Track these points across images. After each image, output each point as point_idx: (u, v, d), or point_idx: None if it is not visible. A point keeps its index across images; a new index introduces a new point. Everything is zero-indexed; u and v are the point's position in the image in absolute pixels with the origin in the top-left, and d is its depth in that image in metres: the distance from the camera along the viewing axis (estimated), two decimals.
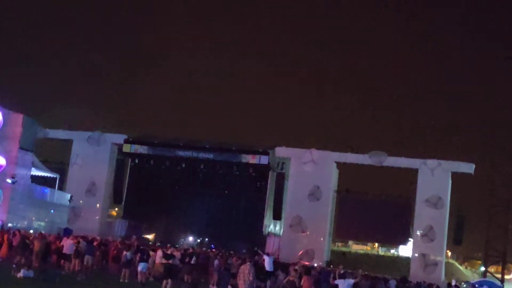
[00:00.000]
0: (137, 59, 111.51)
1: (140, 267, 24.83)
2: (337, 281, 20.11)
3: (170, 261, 24.23)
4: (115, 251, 28.51)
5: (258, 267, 24.63)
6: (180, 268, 26.45)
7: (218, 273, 25.67)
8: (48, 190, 48.76)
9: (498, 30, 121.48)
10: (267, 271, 24.69)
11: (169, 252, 27.31)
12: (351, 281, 20.33)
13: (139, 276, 24.65)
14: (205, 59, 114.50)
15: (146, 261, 25.60)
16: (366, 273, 40.88)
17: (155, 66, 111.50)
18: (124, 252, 26.61)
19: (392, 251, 65.79)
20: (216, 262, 27.22)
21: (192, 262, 28.52)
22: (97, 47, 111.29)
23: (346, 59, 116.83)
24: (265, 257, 25.63)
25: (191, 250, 36.12)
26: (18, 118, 43.52)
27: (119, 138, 57.50)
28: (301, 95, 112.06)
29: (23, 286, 20.10)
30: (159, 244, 44.36)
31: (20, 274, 21.84)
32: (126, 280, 24.72)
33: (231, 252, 44.17)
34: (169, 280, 22.03)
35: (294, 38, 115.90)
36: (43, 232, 34.48)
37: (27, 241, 27.79)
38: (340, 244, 65.22)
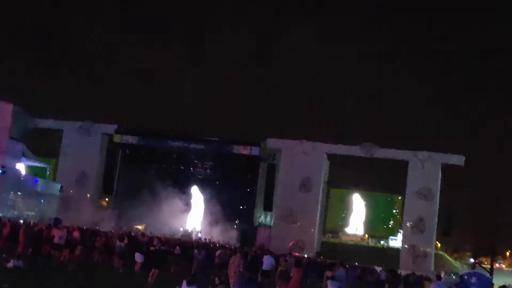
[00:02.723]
0: (129, 48, 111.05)
1: (138, 257, 24.70)
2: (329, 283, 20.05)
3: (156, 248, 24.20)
4: (106, 242, 28.44)
5: (250, 258, 24.56)
6: (166, 257, 26.28)
7: (197, 263, 25.51)
8: (38, 180, 48.65)
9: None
10: (264, 270, 24.36)
11: (155, 242, 27.25)
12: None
13: (136, 267, 24.57)
14: (194, 47, 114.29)
15: (142, 251, 25.44)
16: (356, 263, 41.09)
17: (145, 56, 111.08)
18: (118, 243, 26.55)
19: (382, 242, 66.09)
20: (196, 252, 26.95)
21: (176, 252, 28.43)
22: (87, 36, 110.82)
23: (338, 50, 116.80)
24: (265, 257, 24.92)
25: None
26: (8, 108, 43.34)
27: (110, 128, 57.40)
28: (292, 86, 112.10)
29: (13, 276, 20.02)
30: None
31: (10, 264, 21.76)
32: (120, 271, 24.68)
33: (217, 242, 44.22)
34: (156, 270, 22.04)
35: (285, 31, 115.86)
36: (31, 222, 34.38)
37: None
38: (330, 235, 65.42)
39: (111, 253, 27.00)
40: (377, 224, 64.22)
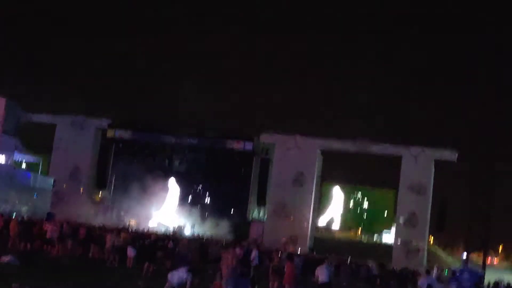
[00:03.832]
0: (122, 42, 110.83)
1: (130, 252, 24.66)
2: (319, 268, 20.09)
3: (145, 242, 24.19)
4: (99, 236, 28.41)
5: (243, 253, 24.56)
6: (158, 252, 26.26)
7: (176, 256, 25.50)
8: (31, 175, 48.54)
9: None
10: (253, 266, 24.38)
11: (150, 237, 27.22)
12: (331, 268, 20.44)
13: (128, 261, 24.54)
14: (190, 42, 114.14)
15: (134, 246, 25.42)
16: (349, 258, 41.19)
17: (139, 50, 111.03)
18: (111, 237, 26.52)
19: (375, 237, 66.34)
20: (186, 246, 26.95)
21: (169, 246, 28.46)
22: (81, 31, 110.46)
23: (330, 45, 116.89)
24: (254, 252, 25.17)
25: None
26: (1, 102, 43.25)
27: (103, 123, 57.34)
28: (285, 81, 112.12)
29: (7, 270, 19.99)
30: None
31: (3, 259, 21.72)
32: (115, 264, 24.67)
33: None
34: (149, 265, 22.02)
35: (274, 24, 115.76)
36: (24, 216, 34.32)
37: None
38: (323, 230, 65.63)
39: (103, 247, 26.98)
40: (370, 218, 64.41)
